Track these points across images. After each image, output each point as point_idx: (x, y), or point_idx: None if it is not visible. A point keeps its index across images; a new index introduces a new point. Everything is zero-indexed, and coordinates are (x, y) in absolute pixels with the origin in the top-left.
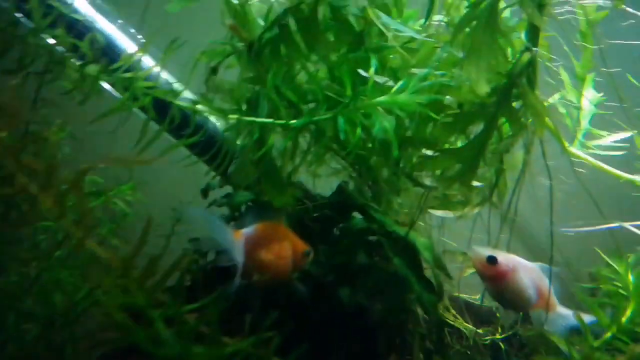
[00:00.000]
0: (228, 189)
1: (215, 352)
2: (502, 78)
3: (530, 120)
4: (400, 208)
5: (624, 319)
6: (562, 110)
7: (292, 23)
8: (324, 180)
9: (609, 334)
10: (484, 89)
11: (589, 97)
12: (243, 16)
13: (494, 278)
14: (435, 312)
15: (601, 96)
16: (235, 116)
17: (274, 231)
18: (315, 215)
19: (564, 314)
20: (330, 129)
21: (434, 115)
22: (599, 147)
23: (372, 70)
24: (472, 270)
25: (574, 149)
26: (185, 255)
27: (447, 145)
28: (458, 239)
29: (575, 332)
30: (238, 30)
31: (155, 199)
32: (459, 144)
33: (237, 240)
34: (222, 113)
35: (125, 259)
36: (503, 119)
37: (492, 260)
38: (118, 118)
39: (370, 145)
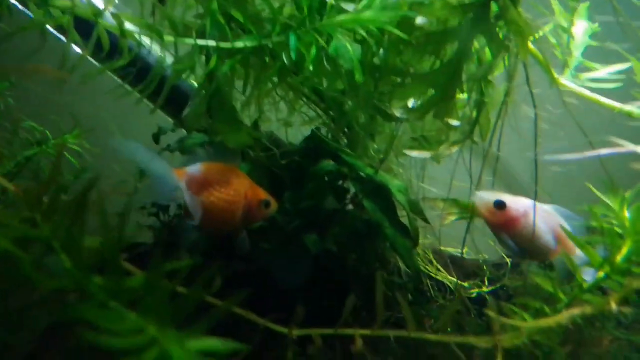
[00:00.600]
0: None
1: (119, 285)
2: None
3: (512, 41)
4: (377, 154)
5: (618, 258)
6: (552, 40)
7: None
8: (298, 130)
9: (601, 274)
10: (430, 5)
11: (582, 27)
12: None
13: (505, 225)
14: (411, 258)
15: (597, 26)
16: (170, 38)
17: (223, 173)
18: (284, 163)
19: (584, 257)
20: (287, 55)
21: (402, 35)
22: (593, 79)
23: None
24: (453, 218)
25: (563, 79)
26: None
27: None
28: (440, 185)
29: None
30: None
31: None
32: None
33: (179, 178)
34: (156, 32)
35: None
36: (482, 40)
37: (500, 205)
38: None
39: (338, 80)
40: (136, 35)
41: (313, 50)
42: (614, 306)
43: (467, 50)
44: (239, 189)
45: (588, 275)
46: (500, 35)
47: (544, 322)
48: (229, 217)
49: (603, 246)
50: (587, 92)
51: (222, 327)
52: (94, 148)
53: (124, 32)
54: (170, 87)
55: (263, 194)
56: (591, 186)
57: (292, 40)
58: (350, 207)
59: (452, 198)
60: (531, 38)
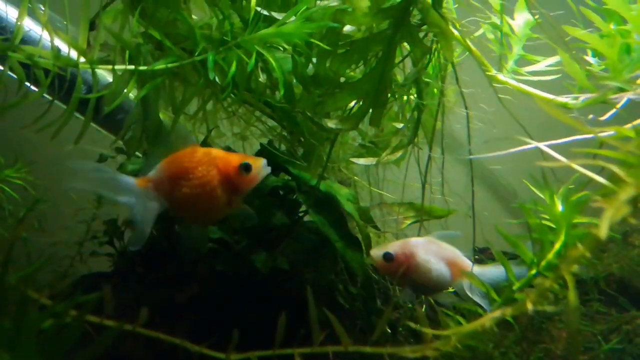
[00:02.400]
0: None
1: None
2: None
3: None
4: (332, 163)
5: (550, 255)
6: (491, 36)
7: None
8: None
9: (533, 272)
10: (363, 3)
11: (522, 19)
12: None
13: (402, 273)
14: (362, 268)
15: (537, 18)
16: (86, 66)
17: (185, 159)
18: None
19: (481, 272)
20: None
21: (323, 46)
22: (533, 72)
23: (253, 1)
24: (410, 222)
25: (502, 76)
26: None
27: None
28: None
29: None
30: None
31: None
32: None
33: (144, 188)
34: (69, 62)
35: None
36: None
37: (388, 257)
38: None
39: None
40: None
41: (233, 68)
42: (530, 307)
43: (390, 56)
44: (207, 166)
45: (478, 297)
46: (430, 38)
47: (469, 327)
48: (210, 199)
49: (531, 243)
50: (526, 87)
51: (162, 356)
52: (39, 180)
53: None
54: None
55: (236, 159)
56: (526, 182)
57: (210, 59)
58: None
59: (408, 202)
60: (473, 37)
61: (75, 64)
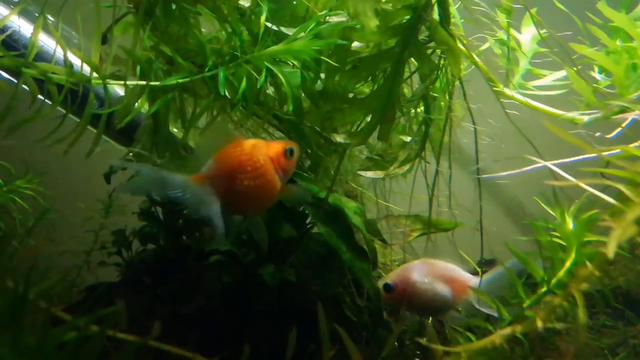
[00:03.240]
0: None
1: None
2: (407, 13)
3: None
4: (340, 175)
5: (561, 273)
6: (498, 51)
7: None
8: None
9: (543, 289)
10: (372, 23)
11: (529, 34)
12: None
13: (404, 300)
14: (370, 280)
15: (543, 33)
16: (98, 81)
17: (237, 154)
18: None
19: (485, 283)
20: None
21: (332, 63)
22: (540, 87)
23: (263, 18)
24: (417, 234)
25: (508, 90)
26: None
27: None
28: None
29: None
30: None
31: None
32: None
33: (200, 185)
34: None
35: None
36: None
37: (387, 288)
38: None
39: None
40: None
41: (243, 84)
42: (540, 325)
43: (399, 73)
44: (260, 156)
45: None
46: (438, 54)
47: (479, 344)
48: (270, 187)
49: (542, 260)
50: (534, 102)
51: None
52: (49, 190)
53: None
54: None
55: (280, 145)
56: (537, 199)
57: (221, 75)
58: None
59: (415, 214)
60: (478, 51)
61: (88, 80)
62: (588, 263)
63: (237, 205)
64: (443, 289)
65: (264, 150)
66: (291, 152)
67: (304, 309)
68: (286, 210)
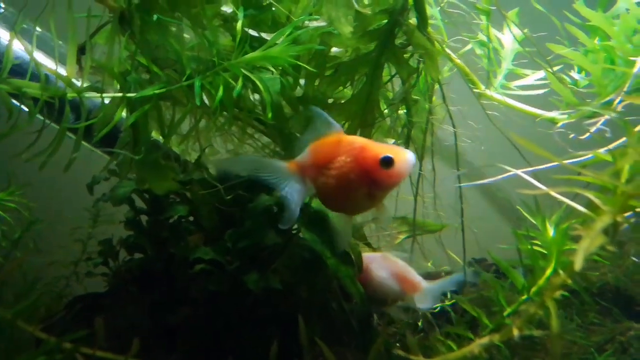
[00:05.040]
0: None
1: None
2: (383, 17)
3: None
4: None
5: (541, 281)
6: (479, 51)
7: None
8: None
9: (524, 297)
10: (346, 29)
11: (511, 35)
12: None
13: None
14: (354, 285)
15: (525, 32)
16: (73, 94)
17: (328, 149)
18: (229, 198)
19: (431, 287)
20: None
21: (309, 69)
22: (521, 87)
23: (239, 24)
24: (405, 236)
25: (489, 91)
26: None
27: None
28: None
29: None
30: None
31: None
32: None
33: (292, 171)
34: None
35: None
36: None
37: None
38: None
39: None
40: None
41: (220, 92)
42: (516, 333)
43: (376, 78)
44: (347, 157)
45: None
46: (416, 57)
47: (459, 353)
48: (346, 191)
49: (522, 269)
50: (514, 103)
51: None
52: (32, 202)
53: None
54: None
55: (379, 151)
56: (520, 208)
57: (197, 85)
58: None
59: (401, 216)
60: (459, 53)
61: (63, 94)
62: (561, 272)
63: (323, 198)
64: (392, 284)
65: (355, 152)
66: (387, 162)
67: (289, 316)
68: (270, 217)
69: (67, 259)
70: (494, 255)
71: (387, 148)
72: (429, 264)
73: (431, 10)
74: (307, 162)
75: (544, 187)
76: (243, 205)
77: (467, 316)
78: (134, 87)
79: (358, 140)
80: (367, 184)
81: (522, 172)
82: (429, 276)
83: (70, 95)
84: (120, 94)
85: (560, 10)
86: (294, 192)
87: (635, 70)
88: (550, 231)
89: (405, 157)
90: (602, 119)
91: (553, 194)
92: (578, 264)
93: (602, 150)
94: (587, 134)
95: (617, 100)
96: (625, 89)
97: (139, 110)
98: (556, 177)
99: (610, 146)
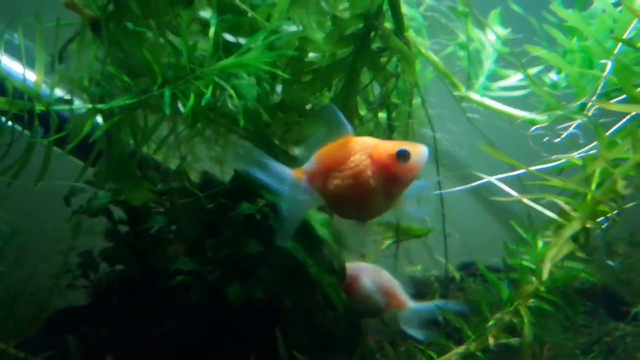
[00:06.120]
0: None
1: None
2: (359, 22)
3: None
4: None
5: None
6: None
7: None
8: None
9: (510, 308)
10: (318, 35)
11: (494, 36)
12: None
13: (344, 288)
14: (338, 294)
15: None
16: (41, 107)
17: (337, 150)
18: (211, 206)
19: (417, 308)
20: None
21: (283, 75)
22: (502, 89)
23: (212, 30)
24: (389, 242)
25: (471, 93)
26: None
27: None
28: None
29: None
30: (77, 8)
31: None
32: None
33: (298, 180)
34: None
35: None
36: None
37: None
38: None
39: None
40: None
41: (191, 101)
42: (491, 341)
43: (353, 83)
44: (361, 155)
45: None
46: (394, 61)
47: None
48: (363, 191)
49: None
50: (494, 104)
51: None
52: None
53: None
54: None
55: (393, 146)
56: (513, 223)
57: (167, 94)
58: None
59: (386, 221)
60: (442, 54)
61: (31, 107)
62: (533, 278)
63: (335, 207)
64: (378, 298)
65: (369, 150)
66: (404, 155)
67: (272, 326)
68: (253, 225)
69: (49, 271)
70: (481, 267)
71: (400, 143)
72: (418, 269)
73: (411, 12)
74: (314, 169)
75: (515, 194)
76: (225, 213)
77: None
78: (105, 97)
79: (368, 139)
80: (385, 181)
81: (496, 178)
82: (416, 281)
83: (39, 108)
84: (89, 106)
85: (540, 11)
86: (296, 205)
87: (606, 73)
88: (540, 244)
89: (420, 149)
90: (576, 123)
91: (525, 201)
92: (545, 272)
93: (575, 154)
94: (559, 139)
95: (589, 104)
96: (598, 92)
97: (108, 122)
98: (530, 184)
99: (583, 150)
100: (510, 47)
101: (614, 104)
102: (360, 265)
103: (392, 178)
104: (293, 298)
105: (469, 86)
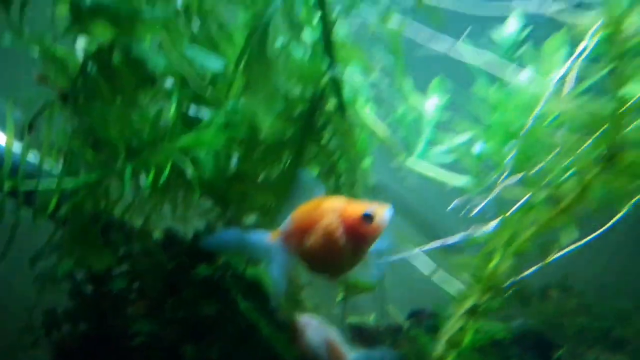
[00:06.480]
0: None
1: None
2: (305, 104)
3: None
4: None
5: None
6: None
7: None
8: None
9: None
10: (266, 120)
11: (433, 102)
12: (62, 66)
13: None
14: (290, 353)
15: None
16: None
17: (311, 211)
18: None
19: (356, 358)
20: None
21: (237, 151)
22: (439, 154)
23: (173, 108)
24: (340, 298)
25: (410, 160)
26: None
27: None
28: None
29: None
30: (49, 81)
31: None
32: None
33: (275, 242)
34: None
35: None
36: None
37: None
38: None
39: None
40: None
41: (150, 177)
42: None
43: (300, 158)
44: (332, 216)
45: None
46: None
47: None
48: (334, 249)
49: None
50: (429, 171)
51: None
52: None
53: None
54: None
55: (359, 209)
56: None
57: (128, 171)
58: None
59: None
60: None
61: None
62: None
63: (308, 262)
64: (322, 352)
65: (339, 211)
66: (369, 217)
67: None
68: (210, 285)
69: (14, 328)
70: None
71: (366, 205)
72: (370, 318)
73: (360, 83)
74: (290, 230)
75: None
76: (186, 271)
77: None
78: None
79: (338, 200)
80: (353, 240)
81: (422, 249)
82: (365, 332)
83: (8, 185)
84: (56, 178)
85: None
86: (278, 266)
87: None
88: None
89: (383, 211)
90: (490, 196)
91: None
92: (439, 350)
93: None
94: (475, 211)
95: (501, 178)
96: (506, 171)
97: (73, 198)
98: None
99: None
100: (454, 110)
101: (511, 186)
102: (305, 321)
103: (358, 237)
104: (247, 358)
105: (409, 153)
